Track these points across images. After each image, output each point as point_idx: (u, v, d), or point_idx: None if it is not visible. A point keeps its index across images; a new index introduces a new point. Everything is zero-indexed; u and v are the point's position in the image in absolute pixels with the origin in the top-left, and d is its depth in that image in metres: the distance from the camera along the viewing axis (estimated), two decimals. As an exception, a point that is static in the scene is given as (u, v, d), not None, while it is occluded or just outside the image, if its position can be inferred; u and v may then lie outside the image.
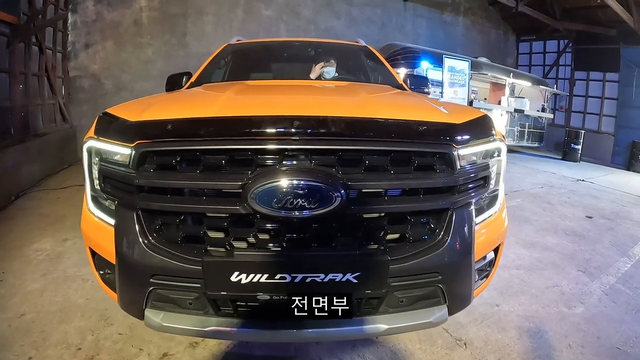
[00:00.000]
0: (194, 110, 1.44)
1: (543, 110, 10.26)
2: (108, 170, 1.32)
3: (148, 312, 1.32)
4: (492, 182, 1.49)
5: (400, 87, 2.70)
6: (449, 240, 1.29)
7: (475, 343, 1.97)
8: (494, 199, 1.57)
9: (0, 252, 2.84)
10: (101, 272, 1.51)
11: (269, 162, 1.22)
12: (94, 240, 1.45)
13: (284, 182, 1.15)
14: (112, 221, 1.33)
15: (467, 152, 1.37)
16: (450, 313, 1.38)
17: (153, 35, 7.47)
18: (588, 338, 2.08)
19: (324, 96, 2.03)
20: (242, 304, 1.32)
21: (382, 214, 1.30)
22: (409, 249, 1.28)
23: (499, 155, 1.52)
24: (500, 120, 9.23)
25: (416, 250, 1.28)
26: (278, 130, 1.23)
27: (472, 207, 1.38)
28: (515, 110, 9.29)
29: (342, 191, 1.17)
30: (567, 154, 9.48)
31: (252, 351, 1.84)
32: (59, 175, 5.45)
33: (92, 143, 1.39)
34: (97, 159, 1.38)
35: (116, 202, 1.33)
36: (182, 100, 1.80)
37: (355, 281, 1.22)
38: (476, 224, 1.39)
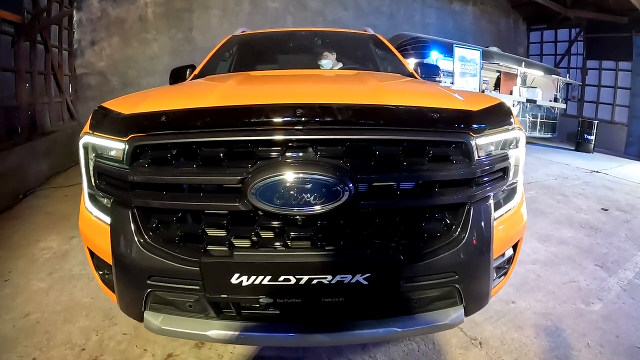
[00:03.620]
0: (190, 101, 1.37)
1: (555, 100, 10.03)
2: (103, 166, 1.27)
3: (147, 315, 1.27)
4: (511, 173, 1.40)
5: (411, 75, 2.61)
6: (466, 238, 1.20)
7: (490, 342, 1.90)
8: (512, 192, 1.47)
9: (6, 251, 2.83)
10: (100, 272, 1.46)
11: (271, 154, 1.14)
12: (91, 240, 1.40)
13: (286, 176, 1.07)
14: (108, 220, 1.28)
15: (485, 142, 1.28)
16: (467, 314, 1.30)
17: (159, 30, 7.45)
18: (607, 336, 1.99)
19: (331, 84, 1.93)
20: (245, 306, 1.26)
21: (394, 210, 1.21)
22: (423, 248, 1.20)
23: (517, 145, 1.42)
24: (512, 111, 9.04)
25: (431, 248, 1.19)
26: (279, 119, 1.15)
27: (491, 201, 1.29)
28: (527, 101, 9.10)
29: (351, 185, 1.09)
30: (580, 144, 9.27)
31: (260, 352, 1.79)
32: (67, 172, 5.45)
33: (87, 139, 1.33)
34: (92, 155, 1.32)
35: (112, 200, 1.28)
36: (181, 91, 1.73)
37: (365, 282, 1.14)
38: (494, 219, 1.30)
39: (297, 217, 1.13)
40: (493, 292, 1.43)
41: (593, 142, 9.11)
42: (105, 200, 1.36)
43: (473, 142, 1.22)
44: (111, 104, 1.41)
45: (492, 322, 2.06)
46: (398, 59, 2.94)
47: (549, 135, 10.09)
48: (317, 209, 1.09)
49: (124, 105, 1.36)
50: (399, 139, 1.18)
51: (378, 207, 1.18)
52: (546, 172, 6.31)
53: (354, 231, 1.18)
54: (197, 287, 1.17)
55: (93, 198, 1.39)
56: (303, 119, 1.13)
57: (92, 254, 1.46)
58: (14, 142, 4.63)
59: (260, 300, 1.19)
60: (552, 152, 8.75)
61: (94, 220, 1.35)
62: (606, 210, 4.32)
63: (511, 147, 1.40)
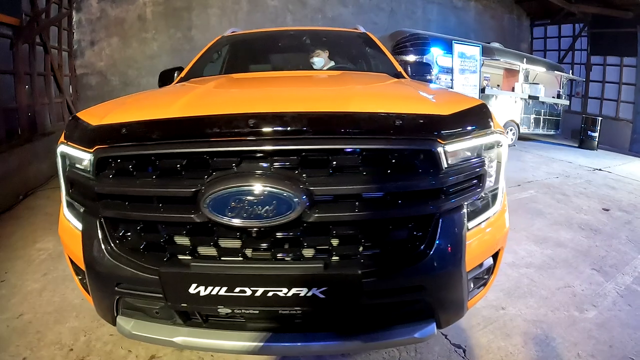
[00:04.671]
0: (154, 111, 1.34)
1: (558, 96, 9.95)
2: (74, 176, 1.29)
3: (119, 320, 1.30)
4: (492, 179, 1.35)
5: (398, 75, 2.56)
6: (434, 251, 1.14)
7: (475, 351, 1.85)
8: (492, 198, 1.40)
9: (5, 252, 2.87)
10: (79, 277, 1.48)
11: (224, 166, 1.12)
12: (68, 246, 1.42)
13: (236, 189, 1.06)
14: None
15: (456, 148, 1.21)
16: (441, 327, 1.28)
17: (158, 30, 7.48)
18: (599, 346, 1.93)
19: (303, 89, 1.89)
20: (211, 314, 1.27)
21: (352, 223, 1.15)
22: (386, 261, 1.15)
23: (497, 150, 1.36)
24: (514, 108, 8.99)
25: (395, 262, 1.15)
26: (231, 130, 1.12)
27: (464, 210, 1.23)
28: (530, 97, 9.02)
29: (304, 197, 1.06)
30: (583, 141, 9.18)
31: (239, 356, 1.79)
32: (67, 173, 5.48)
33: (62, 148, 1.36)
34: (67, 164, 1.35)
35: (83, 209, 1.30)
36: (151, 99, 1.70)
37: (322, 296, 1.11)
38: (469, 229, 1.26)
39: (249, 229, 1.11)
40: (471, 303, 1.40)
41: (597, 139, 9.02)
42: (82, 209, 1.37)
43: (441, 150, 1.16)
44: (84, 114, 1.42)
45: (479, 329, 2.02)
46: (387, 58, 2.88)
47: (552, 132, 10.01)
48: (269, 222, 1.07)
49: (95, 115, 1.36)
50: (356, 148, 1.13)
51: (334, 220, 1.14)
52: (547, 170, 6.24)
53: (309, 245, 1.15)
54: (161, 295, 1.17)
55: (70, 206, 1.40)
56: (255, 129, 1.11)
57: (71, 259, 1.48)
58: (14, 143, 4.65)
59: (219, 310, 1.19)
60: (555, 150, 8.66)
61: (71, 227, 1.36)
62: (607, 210, 4.25)
63: (490, 152, 1.34)
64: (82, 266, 1.29)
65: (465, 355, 1.83)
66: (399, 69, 2.68)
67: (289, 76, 2.38)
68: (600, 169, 6.58)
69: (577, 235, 3.45)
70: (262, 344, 1.22)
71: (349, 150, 1.13)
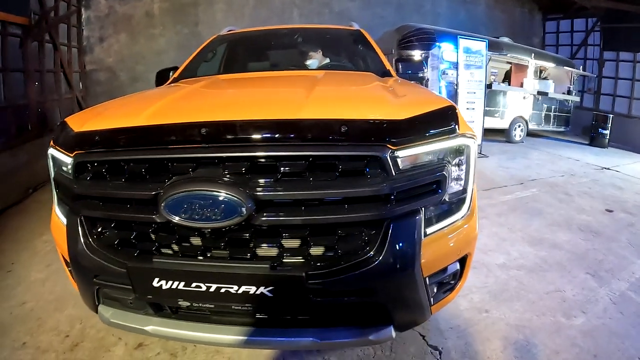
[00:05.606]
0: (125, 119, 1.40)
1: (569, 92, 9.73)
2: (60, 177, 1.41)
3: (100, 308, 1.43)
4: (460, 183, 1.35)
5: (387, 73, 2.54)
6: (384, 255, 1.15)
7: (451, 354, 1.85)
8: (459, 203, 1.38)
9: (14, 244, 3.03)
10: (69, 269, 1.57)
11: (181, 171, 1.20)
12: (58, 242, 1.51)
13: (187, 193, 1.14)
14: None
15: (410, 154, 1.21)
16: (401, 330, 1.32)
17: (165, 26, 7.58)
18: (582, 355, 1.87)
19: (272, 90, 1.94)
20: (179, 306, 1.37)
21: (297, 227, 1.19)
22: (334, 265, 1.17)
23: (464, 154, 1.34)
24: (523, 104, 8.85)
25: (342, 265, 1.16)
26: (186, 138, 1.21)
27: (420, 215, 1.23)
28: (539, 93, 8.85)
29: (250, 202, 1.12)
30: (594, 139, 8.94)
31: (219, 348, 1.85)
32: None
33: (51, 151, 1.47)
34: (55, 166, 1.47)
35: (67, 207, 1.40)
36: (130, 105, 1.75)
37: (270, 295, 1.17)
38: (429, 234, 1.26)
39: (200, 230, 1.19)
40: (437, 307, 1.42)
41: (608, 137, 8.78)
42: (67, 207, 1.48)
43: (390, 156, 1.16)
44: (71, 119, 1.51)
45: (459, 331, 2.01)
46: (377, 56, 2.87)
47: (562, 129, 9.80)
48: (217, 224, 1.14)
49: (79, 121, 1.45)
50: (300, 155, 1.16)
51: (279, 224, 1.18)
52: (553, 169, 6.12)
53: (256, 246, 1.21)
54: (130, 288, 1.27)
55: (61, 204, 1.50)
56: (208, 137, 1.18)
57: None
58: (24, 138, 4.80)
59: (179, 303, 1.29)
60: (564, 147, 8.48)
61: (60, 224, 1.46)
62: (611, 211, 4.14)
63: (456, 156, 1.33)
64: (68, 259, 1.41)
65: (441, 357, 1.84)
66: (388, 67, 2.68)
67: (273, 76, 2.44)
68: (608, 168, 6.42)
69: (575, 237, 3.37)
70: (221, 336, 1.32)
71: (294, 156, 1.17)
